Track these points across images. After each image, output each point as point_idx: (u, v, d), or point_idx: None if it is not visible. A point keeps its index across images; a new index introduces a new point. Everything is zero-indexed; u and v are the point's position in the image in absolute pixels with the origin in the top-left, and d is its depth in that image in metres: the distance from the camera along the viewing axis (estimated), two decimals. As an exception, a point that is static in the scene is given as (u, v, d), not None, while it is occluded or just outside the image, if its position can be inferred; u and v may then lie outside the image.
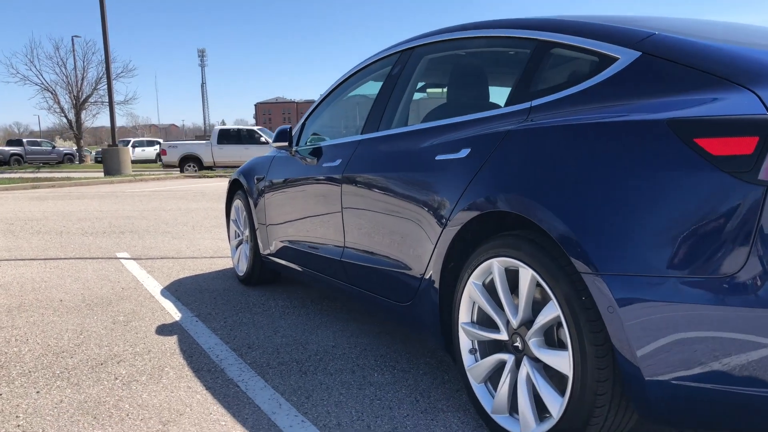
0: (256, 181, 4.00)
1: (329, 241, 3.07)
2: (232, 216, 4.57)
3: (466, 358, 2.13)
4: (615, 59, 1.85)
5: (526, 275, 1.84)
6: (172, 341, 3.12)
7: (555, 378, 1.83)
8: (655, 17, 2.23)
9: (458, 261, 2.19)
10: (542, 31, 2.14)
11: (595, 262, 1.59)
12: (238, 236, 4.55)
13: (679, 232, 1.47)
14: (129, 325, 3.43)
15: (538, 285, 1.82)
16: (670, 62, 1.71)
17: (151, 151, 40.23)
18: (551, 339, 1.85)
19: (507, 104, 2.14)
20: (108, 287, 4.39)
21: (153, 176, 19.49)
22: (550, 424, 1.78)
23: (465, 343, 2.14)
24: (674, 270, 1.47)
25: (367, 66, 3.20)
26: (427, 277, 2.30)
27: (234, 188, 4.55)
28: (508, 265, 1.93)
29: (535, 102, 2.02)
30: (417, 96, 2.89)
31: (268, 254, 3.92)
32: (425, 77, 2.90)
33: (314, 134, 3.73)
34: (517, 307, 1.93)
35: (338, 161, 2.98)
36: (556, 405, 1.76)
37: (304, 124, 3.69)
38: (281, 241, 3.68)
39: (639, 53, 1.80)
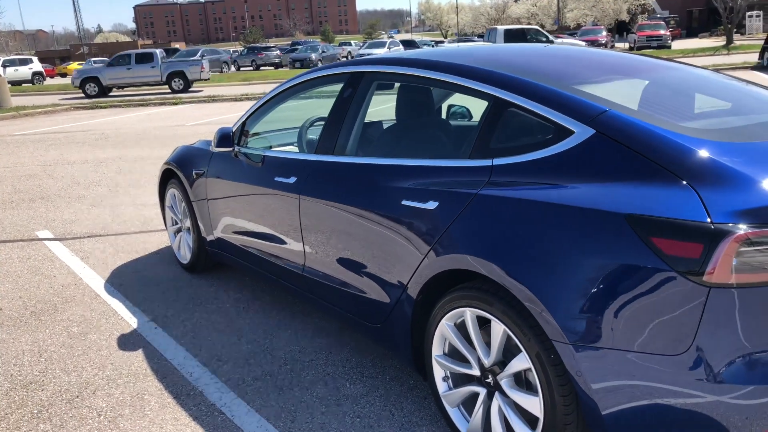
0: (195, 175, 3.98)
1: (287, 253, 3.20)
2: (168, 203, 4.54)
3: (440, 385, 2.41)
4: (570, 132, 2.05)
5: (498, 328, 2.10)
6: (139, 359, 3.21)
7: (525, 412, 2.14)
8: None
9: (428, 298, 2.42)
10: (500, 89, 2.29)
11: (564, 333, 1.86)
12: (176, 223, 4.55)
13: (635, 314, 1.75)
14: (87, 338, 3.47)
15: (509, 336, 2.09)
16: (621, 146, 1.93)
17: (26, 71, 36.99)
18: (520, 378, 2.14)
19: (470, 156, 2.31)
20: (45, 285, 4.32)
21: (39, 110, 18.10)
22: (521, 451, 2.11)
23: (438, 372, 2.41)
24: (630, 346, 1.76)
25: (317, 78, 3.22)
26: (398, 307, 2.52)
27: (167, 175, 4.49)
28: (479, 314, 2.18)
29: (496, 161, 2.21)
30: (367, 121, 2.98)
31: (215, 249, 3.99)
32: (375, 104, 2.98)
33: (254, 134, 3.74)
34: (488, 348, 2.20)
35: (293, 178, 3.06)
36: (527, 440, 2.08)
37: (244, 123, 3.68)
38: (231, 240, 3.76)
39: (593, 131, 2.00)
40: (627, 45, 38.06)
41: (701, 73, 2.71)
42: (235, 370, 3.05)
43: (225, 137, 3.53)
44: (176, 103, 18.33)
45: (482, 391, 2.25)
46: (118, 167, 8.76)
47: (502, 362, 2.17)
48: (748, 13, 41.94)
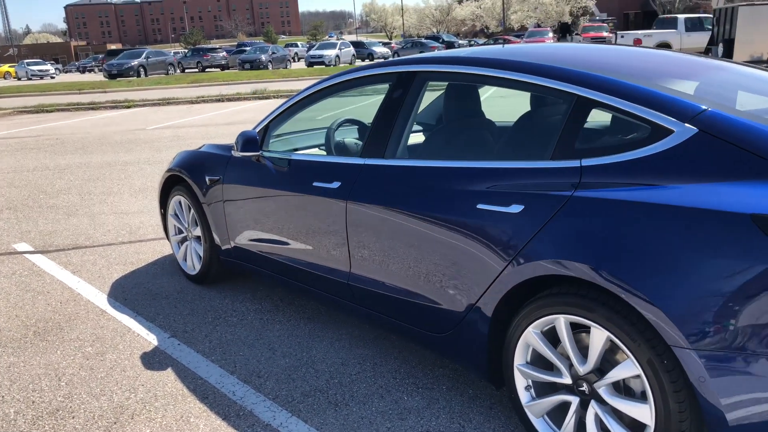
0: (209, 182, 3.78)
1: (328, 261, 3.06)
2: (171, 211, 4.31)
3: (523, 396, 2.33)
4: (669, 131, 2.01)
5: (600, 335, 2.03)
6: (171, 378, 3.01)
7: (624, 419, 2.08)
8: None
9: (509, 305, 2.33)
10: (584, 88, 2.22)
11: (686, 339, 1.80)
12: (180, 232, 4.32)
13: (763, 315, 1.71)
14: (106, 358, 3.23)
15: (611, 343, 2.02)
16: (729, 144, 1.89)
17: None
18: (619, 385, 2.08)
19: (552, 157, 2.23)
20: (41, 303, 4.03)
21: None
22: (624, 460, 2.04)
23: (520, 381, 2.33)
24: (761, 348, 1.72)
25: (359, 78, 3.09)
26: (472, 315, 2.43)
27: (171, 182, 4.26)
28: (574, 321, 2.10)
29: (586, 162, 2.14)
30: (423, 123, 2.88)
31: (232, 259, 3.80)
32: (432, 105, 2.88)
33: (278, 137, 3.59)
34: (582, 355, 2.13)
35: (336, 183, 2.93)
36: (633, 448, 2.02)
37: (267, 126, 3.52)
38: (252, 249, 3.58)
39: (695, 129, 1.96)
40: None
41: (746, 71, 2.71)
42: (280, 387, 2.89)
43: (251, 141, 3.35)
44: (129, 107, 17.69)
45: (575, 400, 2.17)
46: (85, 174, 8.34)
47: (599, 370, 2.10)
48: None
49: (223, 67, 39.01)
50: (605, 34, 33.27)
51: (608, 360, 2.09)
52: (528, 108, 2.90)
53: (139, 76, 32.23)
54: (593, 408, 2.12)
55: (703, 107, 2.01)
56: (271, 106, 15.77)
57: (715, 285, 1.76)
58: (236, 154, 3.46)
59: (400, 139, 2.79)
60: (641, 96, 2.11)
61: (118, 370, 3.11)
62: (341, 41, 38.05)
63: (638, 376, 1.97)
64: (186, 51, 45.97)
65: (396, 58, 2.99)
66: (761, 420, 1.76)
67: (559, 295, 2.13)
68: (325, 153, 3.68)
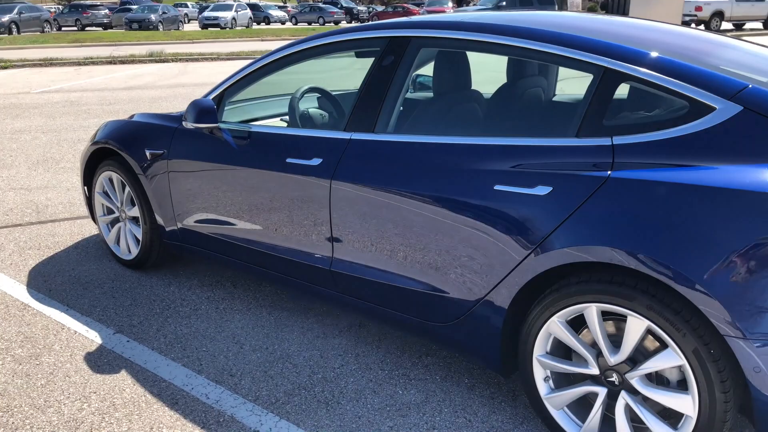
0: (150, 156, 3.35)
1: (305, 246, 2.78)
2: (99, 188, 3.81)
3: (542, 387, 2.20)
4: (711, 108, 1.90)
5: (639, 325, 1.92)
6: (127, 382, 2.64)
7: (655, 409, 2.00)
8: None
9: (526, 295, 2.18)
10: (614, 59, 2.07)
11: (743, 329, 1.72)
12: (111, 212, 3.85)
13: None
14: (42, 362, 2.80)
15: (649, 332, 1.93)
16: (777, 123, 1.81)
17: None
18: (650, 376, 1.99)
19: (578, 134, 2.08)
20: (-53, 296, 3.45)
21: None
22: (659, 452, 1.97)
23: (539, 372, 2.20)
24: None
25: (337, 42, 2.78)
26: (484, 305, 2.26)
27: (97, 156, 3.77)
28: (608, 309, 1.98)
29: (617, 140, 2.01)
30: (414, 95, 2.63)
31: (178, 242, 3.41)
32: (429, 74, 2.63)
33: (232, 105, 3.22)
34: (614, 346, 2.02)
35: (316, 160, 2.64)
36: (669, 437, 1.94)
37: (222, 95, 3.14)
38: (204, 231, 3.22)
39: (740, 107, 1.87)
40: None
41: (745, 46, 2.67)
42: (259, 386, 2.61)
43: (207, 111, 2.97)
44: (5, 67, 15.94)
45: (602, 391, 2.07)
46: (-31, 143, 7.36)
47: (631, 359, 2.00)
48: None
49: (106, 26, 36.18)
50: (447, 6, 33.71)
51: (640, 350, 1.99)
52: (545, 80, 2.72)
53: (11, 33, 29.26)
54: (624, 399, 2.02)
55: (746, 83, 1.92)
56: (170, 69, 14.77)
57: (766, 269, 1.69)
58: (187, 125, 3.06)
59: (392, 111, 2.54)
60: (678, 70, 1.99)
61: (61, 375, 2.70)
62: (237, 3, 36.30)
63: (680, 366, 1.88)
64: (62, 7, 42.17)
65: (385, 21, 2.71)
66: None
67: (592, 282, 2.00)
68: (286, 125, 3.36)
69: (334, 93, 3.46)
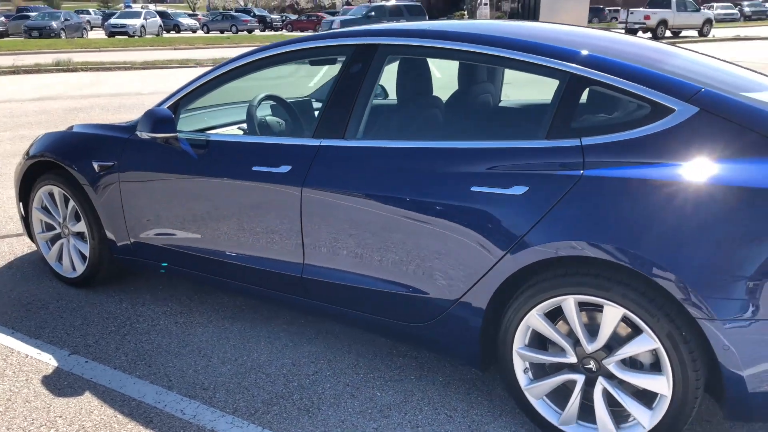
0: (99, 168, 3.23)
1: (274, 254, 2.76)
2: (37, 204, 3.63)
3: (522, 379, 2.29)
4: (671, 110, 2.06)
5: (615, 313, 2.04)
6: (94, 404, 2.53)
7: (633, 392, 2.13)
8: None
9: (505, 290, 2.27)
10: (581, 66, 2.20)
11: (713, 310, 1.87)
12: (52, 229, 3.66)
13: None
14: (-4, 389, 2.64)
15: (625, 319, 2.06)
16: (730, 123, 1.99)
17: None
18: (625, 361, 2.12)
19: (548, 137, 2.19)
20: None
21: None
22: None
23: (519, 365, 2.29)
24: None
25: (303, 50, 2.78)
26: (462, 302, 2.33)
27: (35, 170, 3.59)
28: (583, 300, 2.10)
29: (586, 141, 2.13)
30: (379, 102, 2.68)
31: (131, 257, 3.30)
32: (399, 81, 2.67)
33: (186, 114, 3.16)
34: (591, 334, 2.14)
35: (285, 167, 2.64)
36: (645, 418, 2.07)
37: (178, 104, 3.07)
38: (162, 245, 3.14)
39: (696, 108, 2.03)
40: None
41: (689, 55, 2.87)
42: (235, 398, 2.57)
43: (164, 120, 2.90)
44: None
45: (580, 378, 2.18)
46: None
47: (607, 346, 2.13)
48: (482, 1, 46.73)
49: (2, 35, 34.15)
50: None
51: (615, 337, 2.12)
52: (493, 86, 2.84)
53: None
54: (601, 384, 2.15)
55: (700, 87, 2.09)
56: (81, 79, 14.12)
57: (738, 258, 1.85)
58: (143, 135, 2.98)
59: (362, 117, 2.58)
60: (639, 75, 2.14)
61: (20, 401, 2.56)
62: (146, 10, 35.14)
63: (654, 350, 2.02)
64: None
65: (351, 29, 2.74)
66: None
67: (569, 276, 2.11)
68: (243, 133, 3.32)
69: (289, 100, 3.46)
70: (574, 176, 2.09)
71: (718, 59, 2.79)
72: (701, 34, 28.38)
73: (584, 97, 2.22)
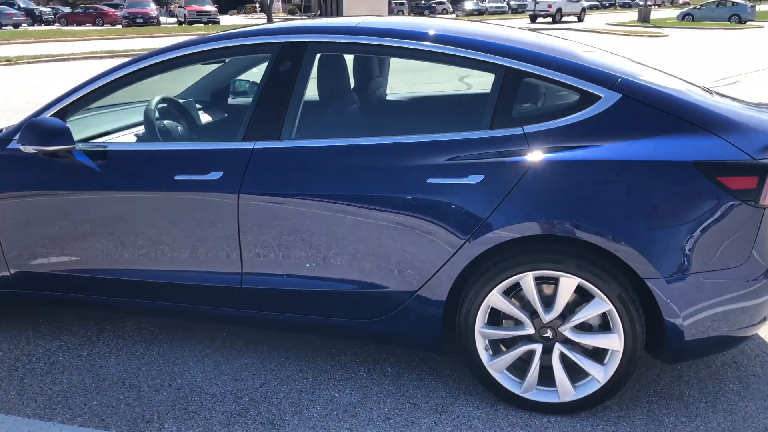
0: (-41, 189, 2.76)
1: (207, 266, 2.59)
2: None
3: (484, 356, 2.43)
4: (598, 97, 2.31)
5: (570, 283, 2.26)
6: (22, 461, 2.20)
7: (587, 352, 2.37)
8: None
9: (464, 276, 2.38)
10: (515, 60, 2.37)
11: (658, 270, 2.16)
12: None
13: (709, 241, 2.17)
14: None
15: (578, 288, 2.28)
16: (648, 106, 2.29)
17: None
18: (579, 327, 2.35)
19: (491, 126, 2.34)
20: None
21: None
22: (592, 387, 2.35)
23: (480, 343, 2.42)
24: (705, 266, 2.18)
25: (215, 50, 2.62)
26: (421, 293, 2.40)
27: None
28: (540, 275, 2.29)
29: (528, 129, 2.32)
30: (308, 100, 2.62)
31: (12, 288, 2.87)
32: (327, 77, 2.61)
33: (73, 120, 2.83)
34: (546, 306, 2.34)
35: (216, 174, 2.49)
36: (600, 373, 2.33)
37: (64, 111, 2.72)
38: (56, 271, 2.78)
39: (619, 95, 2.31)
40: (175, 19, 38.07)
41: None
42: (188, 425, 2.39)
43: (58, 131, 2.55)
44: None
45: (538, 347, 2.38)
46: None
47: (561, 316, 2.34)
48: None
49: None
50: (209, 8, 33.46)
51: (569, 306, 2.34)
52: (439, 80, 2.90)
53: None
54: (558, 349, 2.36)
55: (618, 75, 2.37)
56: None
57: (672, 222, 2.16)
58: (27, 149, 2.59)
59: (296, 118, 2.52)
60: (568, 66, 2.37)
61: None
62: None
63: (605, 312, 2.27)
64: None
65: (270, 26, 2.63)
66: (709, 335, 2.24)
67: (525, 254, 2.28)
68: (137, 139, 3.04)
69: (182, 102, 3.23)
70: (524, 162, 2.26)
71: (601, 50, 3.15)
72: (579, 19, 37.41)
73: (523, 89, 2.39)
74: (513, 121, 2.34)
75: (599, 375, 2.34)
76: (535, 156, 2.26)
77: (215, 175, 2.50)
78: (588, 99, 2.32)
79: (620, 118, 2.29)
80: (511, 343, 2.45)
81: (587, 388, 2.37)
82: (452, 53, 2.43)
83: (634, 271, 2.20)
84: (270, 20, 33.33)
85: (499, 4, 49.72)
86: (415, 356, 2.83)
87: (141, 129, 3.08)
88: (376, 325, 2.52)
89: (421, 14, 45.48)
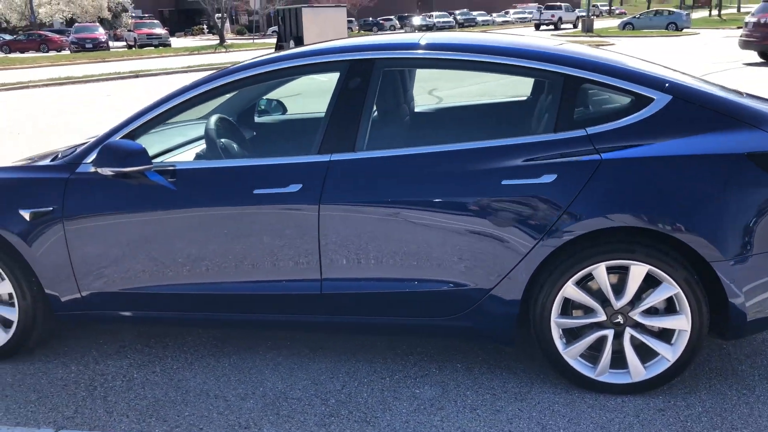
0: (31, 216, 2.79)
1: (287, 275, 2.70)
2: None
3: (559, 344, 2.60)
4: (651, 99, 2.54)
5: (640, 270, 2.46)
6: (136, 473, 2.25)
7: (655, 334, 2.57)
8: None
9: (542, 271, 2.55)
10: (572, 68, 2.57)
11: (721, 253, 2.38)
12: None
13: (765, 224, 2.40)
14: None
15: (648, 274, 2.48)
16: (696, 106, 2.52)
17: None
18: (648, 311, 2.55)
19: (556, 130, 2.53)
20: None
21: None
22: (662, 366, 2.54)
23: (556, 333, 2.59)
24: (764, 248, 2.41)
25: (288, 69, 2.75)
26: (497, 289, 2.56)
27: None
28: (611, 265, 2.48)
29: (591, 131, 2.52)
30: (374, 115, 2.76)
31: (85, 309, 2.91)
32: (394, 93, 2.76)
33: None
34: (616, 293, 2.53)
35: (295, 186, 2.61)
36: (668, 352, 2.53)
37: (134, 132, 2.79)
38: (133, 289, 2.84)
39: (670, 96, 2.54)
40: (124, 43, 37.58)
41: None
42: (285, 427, 2.48)
43: (134, 153, 2.63)
44: None
45: (610, 333, 2.56)
46: None
47: (631, 302, 2.53)
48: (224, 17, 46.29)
49: None
50: (160, 31, 33.20)
51: (638, 292, 2.53)
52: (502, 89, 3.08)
53: None
54: (629, 332, 2.55)
55: (667, 78, 2.60)
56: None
57: (734, 209, 2.39)
58: (104, 171, 2.66)
59: (368, 130, 2.66)
60: (621, 72, 2.59)
61: (39, 495, 2.17)
62: None
63: (673, 295, 2.47)
64: None
65: (337, 45, 2.76)
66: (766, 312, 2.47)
67: (598, 245, 2.48)
68: (197, 157, 3.12)
69: (233, 119, 3.33)
70: (594, 160, 2.46)
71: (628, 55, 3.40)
72: (574, 26, 43.71)
73: (582, 94, 2.60)
74: (575, 123, 2.54)
75: (668, 354, 2.54)
76: (604, 155, 2.46)
77: (295, 188, 2.62)
78: (642, 101, 2.54)
79: (673, 118, 2.51)
80: (581, 330, 2.64)
81: (657, 368, 2.56)
82: (516, 64, 2.63)
83: (697, 256, 2.42)
84: (223, 41, 33.22)
85: (446, 19, 50.79)
86: (479, 351, 2.98)
87: (196, 147, 3.17)
88: (455, 322, 2.66)
89: (370, 31, 46.10)
